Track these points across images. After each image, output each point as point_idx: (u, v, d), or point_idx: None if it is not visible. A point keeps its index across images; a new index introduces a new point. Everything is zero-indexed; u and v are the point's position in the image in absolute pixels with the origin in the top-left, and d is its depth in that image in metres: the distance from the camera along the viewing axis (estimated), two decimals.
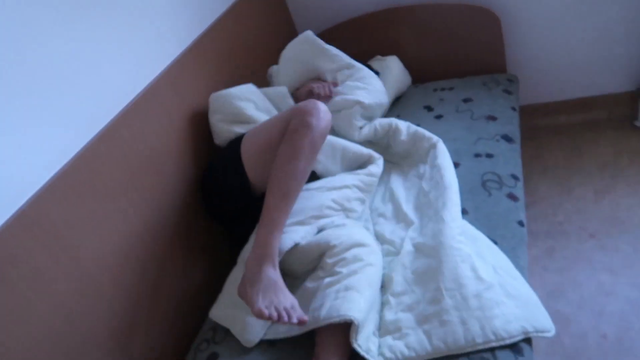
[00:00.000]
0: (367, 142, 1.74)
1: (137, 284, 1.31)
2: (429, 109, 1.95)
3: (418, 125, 1.83)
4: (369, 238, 1.33)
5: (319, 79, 1.86)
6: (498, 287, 1.14)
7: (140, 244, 1.33)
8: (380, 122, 1.71)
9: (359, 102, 1.72)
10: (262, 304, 1.12)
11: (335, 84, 1.82)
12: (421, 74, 2.18)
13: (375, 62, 2.09)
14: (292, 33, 2.36)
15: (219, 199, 1.55)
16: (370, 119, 1.77)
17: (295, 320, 1.10)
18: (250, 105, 1.61)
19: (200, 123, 1.63)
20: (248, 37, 2.02)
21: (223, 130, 1.58)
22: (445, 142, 1.67)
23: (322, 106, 1.35)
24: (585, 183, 1.96)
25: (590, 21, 2.02)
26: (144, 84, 1.45)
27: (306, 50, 1.85)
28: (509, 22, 2.08)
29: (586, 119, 2.25)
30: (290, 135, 1.31)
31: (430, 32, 2.12)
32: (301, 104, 1.39)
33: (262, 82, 1.96)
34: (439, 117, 1.89)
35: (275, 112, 1.66)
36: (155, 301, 1.37)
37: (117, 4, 1.41)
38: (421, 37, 2.14)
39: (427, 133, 1.65)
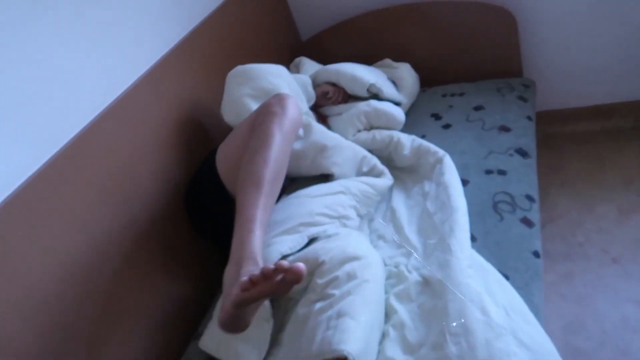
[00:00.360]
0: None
1: (111, 299, 1.19)
2: (436, 117, 1.79)
3: (424, 136, 1.69)
4: (364, 247, 1.18)
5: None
6: (510, 334, 0.98)
7: (116, 257, 1.21)
8: (380, 133, 1.56)
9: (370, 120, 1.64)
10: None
11: (347, 97, 1.72)
12: (430, 76, 2.01)
13: (387, 70, 1.93)
14: (292, 31, 2.21)
15: (202, 216, 1.41)
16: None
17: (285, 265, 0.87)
18: (284, 85, 1.47)
19: (183, 130, 1.49)
20: (244, 36, 1.88)
21: (248, 107, 1.40)
22: (453, 155, 1.51)
23: (287, 96, 1.24)
24: (608, 200, 1.79)
25: (614, 22, 1.84)
26: (118, 91, 1.31)
27: (332, 74, 1.75)
28: (525, 22, 1.91)
29: (609, 128, 2.07)
30: (256, 128, 1.20)
31: (440, 31, 1.95)
32: (266, 100, 1.27)
33: None
34: (447, 126, 1.72)
35: (303, 99, 1.56)
36: (135, 316, 1.24)
37: (91, 2, 1.27)
38: (430, 36, 1.98)
39: (432, 147, 1.49)
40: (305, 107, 1.53)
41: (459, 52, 1.97)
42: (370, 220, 1.42)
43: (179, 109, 1.49)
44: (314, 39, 2.16)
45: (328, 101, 1.68)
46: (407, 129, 1.75)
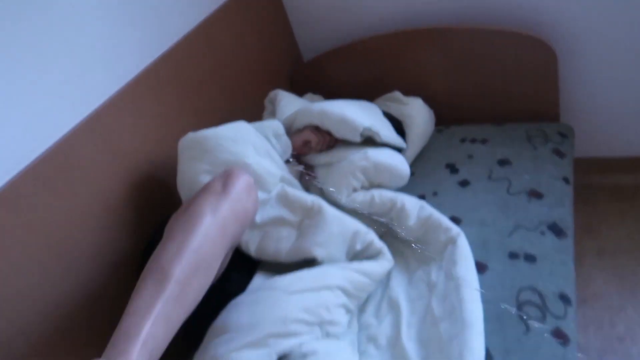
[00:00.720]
0: (357, 214, 1.32)
1: None
2: (452, 169, 1.49)
3: (435, 193, 1.40)
4: None
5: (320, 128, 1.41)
6: None
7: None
8: (381, 195, 1.27)
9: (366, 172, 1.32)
10: None
11: (334, 142, 1.40)
12: (447, 114, 1.71)
13: (395, 106, 1.63)
14: (293, 50, 1.92)
15: None
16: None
17: None
18: (248, 150, 1.18)
19: (137, 189, 1.22)
20: (237, 53, 1.60)
21: None
22: (470, 226, 1.23)
23: (238, 173, 0.99)
24: None
25: None
26: (48, 142, 1.05)
27: (316, 116, 1.41)
28: (565, 57, 1.59)
29: None
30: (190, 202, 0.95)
31: (462, 62, 1.64)
32: (227, 169, 1.01)
33: (250, 114, 1.55)
34: (464, 183, 1.42)
35: (276, 155, 1.26)
36: None
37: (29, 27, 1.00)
38: (450, 67, 1.67)
39: (445, 220, 1.20)
40: (276, 167, 1.23)
41: (483, 87, 1.66)
42: (361, 312, 1.13)
43: (133, 160, 1.22)
44: (316, 61, 1.87)
45: (310, 150, 1.39)
46: (416, 179, 1.47)
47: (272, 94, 1.57)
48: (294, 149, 1.35)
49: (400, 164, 1.35)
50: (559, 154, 1.45)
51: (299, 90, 1.89)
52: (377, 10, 1.75)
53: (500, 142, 1.53)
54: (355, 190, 1.29)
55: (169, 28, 1.39)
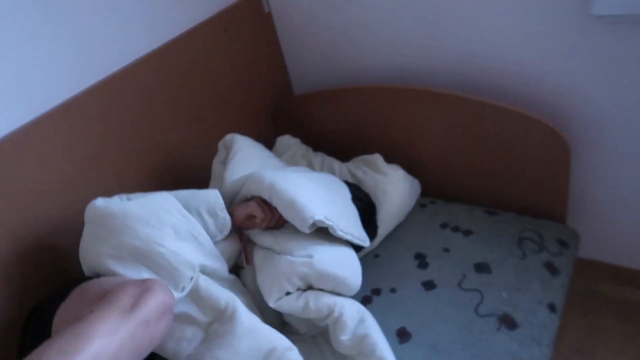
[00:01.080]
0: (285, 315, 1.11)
1: None
2: (421, 261, 1.26)
3: (393, 289, 1.18)
4: None
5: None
6: None
7: None
8: (317, 300, 1.04)
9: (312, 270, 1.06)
10: None
11: (283, 222, 1.16)
12: (436, 185, 1.47)
13: (370, 173, 1.39)
14: (281, 84, 1.71)
15: None
16: None
17: None
18: (166, 232, 0.98)
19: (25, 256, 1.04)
20: (203, 80, 1.41)
21: (112, 271, 0.94)
22: (417, 346, 1.03)
23: (153, 288, 0.82)
24: None
25: None
26: None
27: (265, 189, 1.14)
28: (582, 152, 1.34)
29: None
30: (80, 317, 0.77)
31: (463, 132, 1.39)
32: (147, 280, 0.82)
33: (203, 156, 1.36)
34: (429, 285, 1.19)
35: (203, 236, 1.04)
36: None
37: None
38: (448, 136, 1.42)
39: (381, 348, 0.96)
40: (198, 253, 1.02)
41: (482, 165, 1.41)
42: None
43: (32, 209, 1.04)
44: (302, 98, 1.65)
45: (254, 226, 1.16)
46: (377, 266, 1.26)
47: (228, 138, 1.32)
48: (235, 221, 1.13)
49: (351, 277, 1.09)
50: (551, 269, 1.20)
51: (280, 124, 1.69)
52: (376, 58, 1.53)
53: (486, 237, 1.28)
54: (287, 294, 1.06)
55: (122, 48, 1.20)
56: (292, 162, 1.50)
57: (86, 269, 0.99)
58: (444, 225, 1.35)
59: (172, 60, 1.33)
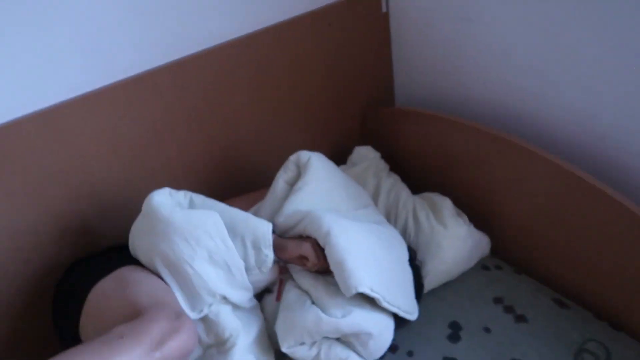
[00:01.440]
0: None
1: None
2: (454, 332, 1.12)
3: (410, 353, 1.07)
4: None
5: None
6: None
7: None
8: (329, 351, 0.99)
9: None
10: None
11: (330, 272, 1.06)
12: (509, 248, 1.29)
13: (428, 219, 1.26)
14: (383, 92, 1.60)
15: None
16: None
17: None
18: (200, 253, 0.98)
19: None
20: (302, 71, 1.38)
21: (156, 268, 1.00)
22: None
23: (188, 338, 0.84)
24: None
25: None
26: None
27: (321, 234, 1.05)
28: None
29: None
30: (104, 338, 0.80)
31: (555, 206, 1.17)
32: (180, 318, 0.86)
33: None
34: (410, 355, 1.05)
35: (237, 266, 1.02)
36: None
37: None
38: (538, 201, 1.21)
39: None
40: (225, 283, 1.01)
41: (566, 246, 1.18)
42: None
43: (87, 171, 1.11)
44: (401, 112, 1.53)
45: (303, 266, 1.08)
46: None
47: (303, 157, 1.18)
48: (286, 257, 1.08)
49: (373, 346, 1.00)
50: None
51: (368, 133, 1.59)
52: (487, 92, 1.34)
53: (539, 332, 1.09)
54: (302, 344, 1.01)
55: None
56: (362, 177, 1.40)
57: (131, 249, 1.04)
58: (497, 300, 1.18)
59: (260, 50, 1.29)
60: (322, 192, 1.16)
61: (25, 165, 1.03)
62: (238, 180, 1.36)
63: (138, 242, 1.02)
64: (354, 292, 0.97)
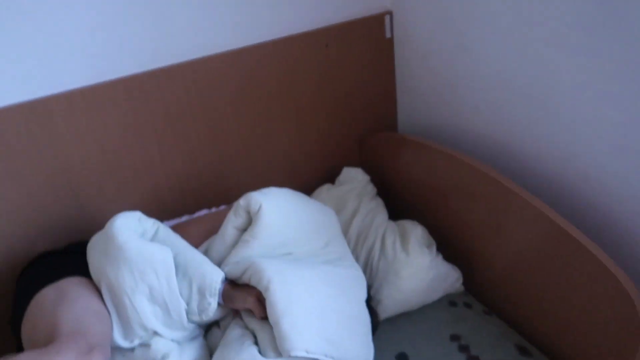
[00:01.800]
0: None
1: None
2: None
3: None
4: None
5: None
6: None
7: None
8: None
9: None
10: None
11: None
12: (488, 289, 1.21)
13: (395, 245, 1.22)
14: (388, 112, 1.60)
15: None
16: None
17: None
18: (141, 288, 0.98)
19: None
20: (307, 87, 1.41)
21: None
22: None
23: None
24: None
25: None
26: None
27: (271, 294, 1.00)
28: None
29: None
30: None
31: (536, 255, 1.09)
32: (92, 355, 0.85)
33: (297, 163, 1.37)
34: None
35: (176, 309, 1.01)
36: None
37: None
38: (520, 245, 1.12)
39: None
40: (158, 322, 1.01)
41: (543, 294, 1.08)
42: None
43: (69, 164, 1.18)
44: (396, 138, 1.50)
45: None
46: None
47: (254, 204, 1.08)
48: (234, 308, 1.05)
49: None
50: None
51: (363, 155, 1.57)
52: (481, 125, 1.30)
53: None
54: None
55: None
56: (344, 198, 1.39)
57: (87, 258, 1.05)
58: (454, 338, 1.11)
59: (249, 65, 1.33)
60: (272, 245, 1.11)
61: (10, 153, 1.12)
62: (218, 190, 1.39)
63: (92, 256, 1.04)
64: (287, 355, 0.93)
